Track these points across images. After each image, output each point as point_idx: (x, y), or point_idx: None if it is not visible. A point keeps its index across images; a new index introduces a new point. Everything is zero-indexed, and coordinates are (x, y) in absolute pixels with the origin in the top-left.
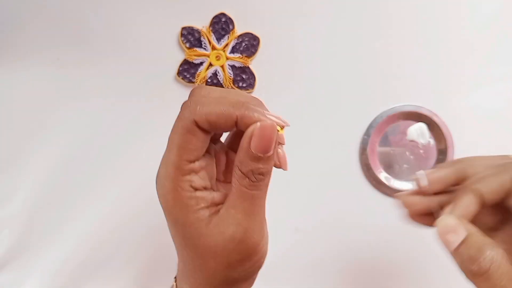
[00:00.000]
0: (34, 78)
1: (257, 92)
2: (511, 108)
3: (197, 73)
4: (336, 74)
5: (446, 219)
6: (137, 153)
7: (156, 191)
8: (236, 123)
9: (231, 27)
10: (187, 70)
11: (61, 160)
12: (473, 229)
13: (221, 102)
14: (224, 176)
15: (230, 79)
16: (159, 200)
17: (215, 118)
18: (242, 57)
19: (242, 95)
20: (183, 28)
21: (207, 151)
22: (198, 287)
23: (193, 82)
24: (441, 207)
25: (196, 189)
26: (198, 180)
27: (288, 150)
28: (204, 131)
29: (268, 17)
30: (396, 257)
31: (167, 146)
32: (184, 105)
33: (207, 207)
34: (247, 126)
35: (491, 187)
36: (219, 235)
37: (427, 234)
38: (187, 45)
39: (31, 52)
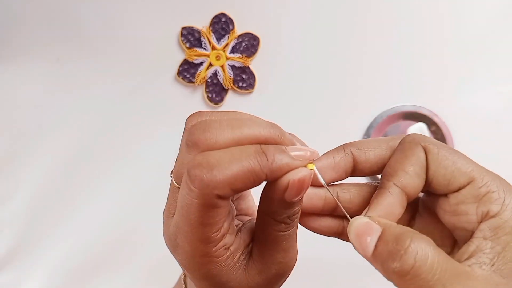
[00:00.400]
0: (34, 78)
1: (257, 92)
2: (510, 109)
3: (197, 73)
4: (336, 74)
5: (355, 221)
6: (138, 153)
7: (177, 258)
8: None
9: (231, 27)
10: (187, 70)
11: (61, 160)
12: (389, 222)
13: (241, 157)
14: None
15: (230, 79)
16: (186, 270)
17: (241, 184)
18: (242, 57)
19: (258, 129)
20: (183, 28)
21: None
22: None
23: (193, 82)
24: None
25: (230, 246)
26: (228, 237)
27: None
28: (227, 198)
29: (268, 17)
30: None
31: (182, 219)
32: (192, 171)
33: (242, 253)
34: (277, 179)
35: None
36: (259, 275)
37: None
38: (187, 45)
39: (31, 52)
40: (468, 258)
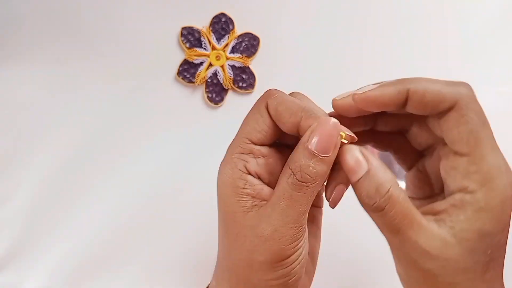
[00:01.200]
0: (34, 78)
1: (257, 92)
2: (508, 109)
3: (197, 73)
4: (336, 75)
5: (353, 151)
6: (137, 152)
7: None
8: (299, 127)
9: (231, 27)
10: (187, 70)
11: (61, 160)
12: (376, 164)
13: (293, 101)
14: None
15: (230, 79)
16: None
17: (283, 108)
18: (242, 57)
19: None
20: (183, 28)
21: (280, 151)
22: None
23: (193, 82)
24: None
25: (249, 173)
26: (254, 165)
27: None
28: (272, 118)
29: (268, 17)
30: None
31: None
32: (264, 93)
33: (253, 196)
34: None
35: (424, 94)
36: (250, 228)
37: None
38: (187, 45)
39: (30, 52)
40: (434, 214)
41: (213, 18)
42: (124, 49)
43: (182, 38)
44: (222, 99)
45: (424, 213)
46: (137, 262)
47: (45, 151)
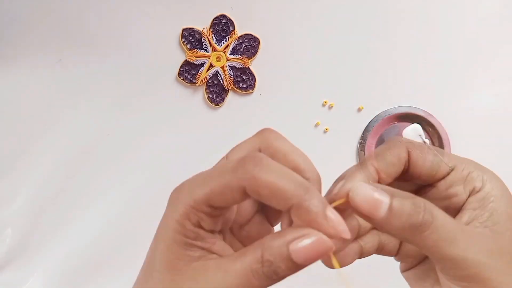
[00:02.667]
0: (36, 79)
1: (257, 92)
2: (506, 109)
3: (198, 74)
4: (336, 75)
5: (363, 187)
6: (138, 154)
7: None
8: (290, 208)
9: (231, 28)
10: (187, 71)
11: (63, 160)
12: (392, 188)
13: (280, 176)
14: (241, 232)
15: (231, 80)
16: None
17: (268, 192)
18: (242, 58)
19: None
20: (184, 30)
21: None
22: None
23: (193, 83)
24: None
25: (201, 227)
26: (209, 223)
27: None
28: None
29: (268, 19)
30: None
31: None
32: (169, 200)
33: (202, 248)
34: (300, 218)
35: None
36: (191, 280)
37: None
38: (188, 46)
39: (33, 53)
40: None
41: (214, 19)
42: (125, 50)
43: (183, 39)
44: (222, 100)
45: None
46: (137, 263)
47: (47, 152)
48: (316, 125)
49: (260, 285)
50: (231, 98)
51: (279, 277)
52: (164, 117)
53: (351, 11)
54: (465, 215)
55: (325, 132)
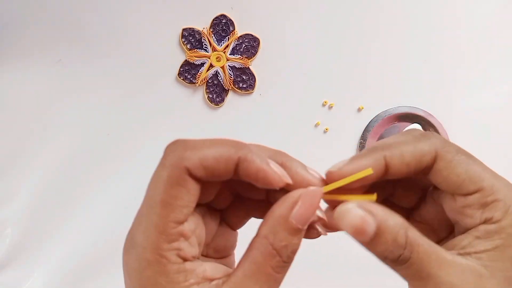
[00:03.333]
0: (36, 79)
1: (257, 92)
2: (506, 109)
3: (198, 74)
4: (336, 75)
5: (351, 210)
6: (138, 154)
7: (122, 265)
8: (236, 169)
9: (231, 28)
10: (188, 71)
11: (63, 160)
12: (382, 213)
13: (217, 143)
14: (208, 249)
15: (231, 80)
16: (127, 277)
17: (212, 162)
18: (242, 58)
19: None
20: (184, 30)
21: (195, 210)
22: None
23: (193, 83)
24: None
25: (185, 260)
26: (187, 247)
27: None
28: (197, 180)
29: (268, 19)
30: None
31: (144, 202)
32: (167, 150)
33: (198, 283)
34: (249, 174)
35: (403, 156)
36: None
37: None
38: (188, 46)
39: (33, 53)
40: (457, 249)
41: (214, 19)
42: (125, 50)
43: (183, 39)
44: (222, 100)
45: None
46: None
47: (47, 152)
48: (316, 125)
49: (282, 276)
50: (231, 98)
51: (295, 252)
52: (164, 117)
53: (351, 11)
54: (464, 240)
55: (325, 132)
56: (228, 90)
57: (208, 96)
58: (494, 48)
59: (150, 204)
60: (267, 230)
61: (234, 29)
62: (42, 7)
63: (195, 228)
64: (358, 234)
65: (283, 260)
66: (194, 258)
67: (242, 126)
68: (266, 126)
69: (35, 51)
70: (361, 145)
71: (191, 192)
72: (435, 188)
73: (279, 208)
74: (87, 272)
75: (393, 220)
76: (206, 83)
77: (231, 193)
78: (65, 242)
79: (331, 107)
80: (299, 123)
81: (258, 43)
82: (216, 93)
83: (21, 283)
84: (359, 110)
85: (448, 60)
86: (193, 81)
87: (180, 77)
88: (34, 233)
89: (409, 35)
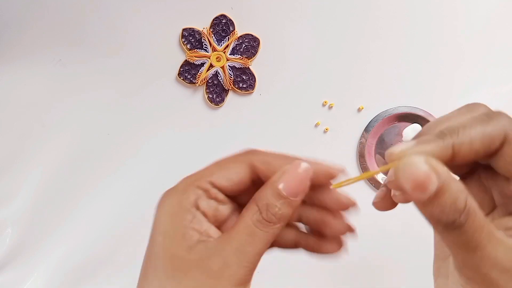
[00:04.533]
0: (36, 79)
1: (257, 92)
2: (505, 109)
3: (198, 74)
4: (336, 76)
5: (417, 163)
6: (138, 153)
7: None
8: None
9: (231, 28)
10: (188, 71)
11: (63, 160)
12: (446, 172)
13: (285, 157)
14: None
15: (231, 80)
16: (158, 212)
17: (276, 163)
18: (242, 58)
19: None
20: (184, 30)
21: (231, 204)
22: None
23: (193, 83)
24: None
25: (197, 208)
26: (205, 204)
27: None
28: (255, 174)
29: (268, 19)
30: (395, 257)
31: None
32: (245, 150)
33: (200, 232)
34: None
35: (471, 144)
36: (195, 263)
37: (428, 233)
38: (188, 46)
39: (33, 53)
40: (503, 229)
41: (214, 19)
42: (125, 50)
43: (183, 40)
44: (222, 100)
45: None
46: (136, 262)
47: (47, 152)
48: (316, 125)
49: (265, 235)
50: (231, 98)
51: (280, 219)
52: (164, 117)
53: (351, 11)
54: (511, 222)
55: (325, 132)
56: (228, 90)
57: (208, 96)
58: (494, 48)
59: (211, 163)
60: (257, 194)
61: (234, 29)
62: (42, 7)
63: (220, 203)
64: (417, 189)
65: (262, 216)
66: (206, 217)
67: (242, 126)
68: (266, 126)
69: (35, 51)
70: (361, 145)
71: (240, 177)
72: (487, 167)
73: (271, 177)
74: (87, 272)
75: (456, 183)
76: (206, 83)
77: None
78: (65, 242)
79: (331, 107)
80: (299, 123)
81: (258, 43)
82: (216, 93)
83: (21, 283)
84: (359, 110)
85: (448, 60)
86: (193, 81)
87: (180, 77)
88: (34, 233)
89: (409, 34)
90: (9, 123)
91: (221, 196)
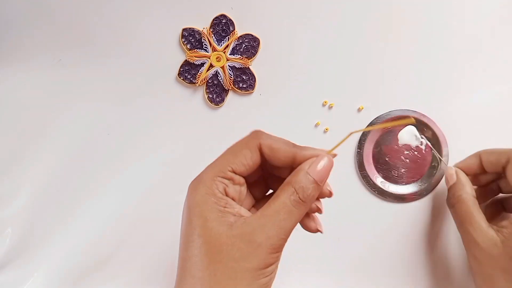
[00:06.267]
0: (36, 79)
1: (257, 92)
2: (503, 109)
3: (198, 74)
4: (336, 76)
5: (450, 169)
6: (138, 154)
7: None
8: (293, 161)
9: (231, 28)
10: (187, 71)
11: (63, 160)
12: (462, 177)
13: (285, 142)
14: None
15: (231, 80)
16: (188, 197)
17: (277, 147)
18: (242, 58)
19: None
20: (184, 30)
21: (247, 184)
22: None
23: (193, 83)
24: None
25: (227, 195)
26: (232, 190)
27: None
28: (261, 155)
29: (268, 19)
30: (394, 260)
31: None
32: (253, 133)
33: (234, 214)
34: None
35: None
36: (240, 237)
37: (425, 236)
38: (188, 46)
39: (33, 53)
40: (498, 226)
41: (214, 19)
42: (125, 50)
43: (183, 39)
44: (222, 100)
45: (493, 223)
46: (137, 263)
47: (47, 152)
48: (316, 125)
49: (299, 212)
50: (231, 98)
51: (311, 199)
52: (164, 117)
53: (351, 12)
54: (505, 222)
55: (325, 132)
56: (228, 90)
57: (208, 96)
58: (493, 48)
59: (222, 155)
60: (292, 178)
61: (234, 29)
62: (42, 7)
63: (242, 185)
64: (447, 181)
65: (299, 196)
66: (234, 199)
67: (242, 126)
68: (266, 126)
69: (35, 51)
70: (361, 146)
71: (253, 159)
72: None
73: (303, 164)
74: (87, 272)
75: (463, 184)
76: (206, 83)
77: (261, 169)
78: (65, 242)
79: (331, 107)
80: (299, 123)
81: (258, 43)
82: (216, 93)
83: (21, 283)
84: (359, 110)
85: (443, 63)
86: (193, 81)
87: (180, 77)
88: (34, 233)
89: (409, 35)
90: (9, 123)
91: (241, 180)
